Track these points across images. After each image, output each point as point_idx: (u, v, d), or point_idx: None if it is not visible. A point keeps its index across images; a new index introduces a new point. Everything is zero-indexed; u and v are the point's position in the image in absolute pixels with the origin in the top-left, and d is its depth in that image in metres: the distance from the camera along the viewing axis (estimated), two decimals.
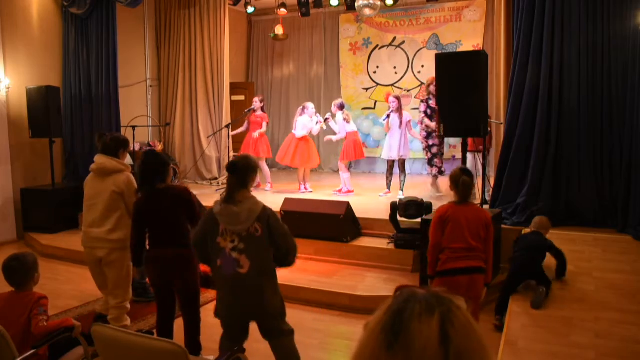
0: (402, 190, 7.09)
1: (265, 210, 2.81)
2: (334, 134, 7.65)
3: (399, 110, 7.07)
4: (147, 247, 3.48)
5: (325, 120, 7.55)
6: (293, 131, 7.66)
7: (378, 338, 0.82)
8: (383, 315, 0.85)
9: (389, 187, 7.31)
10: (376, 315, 0.86)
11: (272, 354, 2.98)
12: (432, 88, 7.00)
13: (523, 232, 4.41)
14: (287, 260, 2.90)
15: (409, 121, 7.18)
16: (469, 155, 6.89)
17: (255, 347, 3.01)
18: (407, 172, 7.30)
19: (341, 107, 7.46)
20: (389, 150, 7.15)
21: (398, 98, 7.17)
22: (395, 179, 7.29)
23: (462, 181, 3.29)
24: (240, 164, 2.86)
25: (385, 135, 7.34)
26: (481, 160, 6.45)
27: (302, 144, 7.59)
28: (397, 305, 0.84)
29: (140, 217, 3.42)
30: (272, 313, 2.88)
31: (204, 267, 3.45)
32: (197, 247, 2.95)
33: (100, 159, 3.85)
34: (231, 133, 8.28)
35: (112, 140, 3.93)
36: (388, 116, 7.07)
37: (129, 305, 3.94)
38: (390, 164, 7.24)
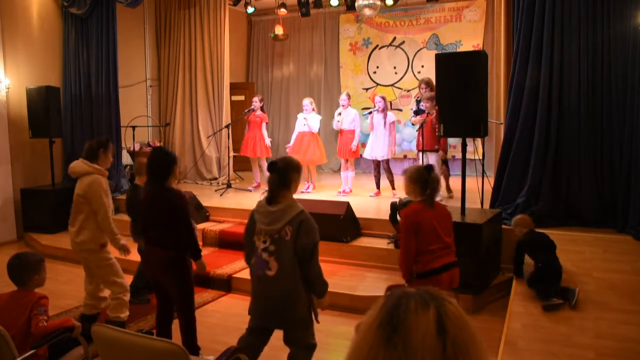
0: (394, 189, 7.10)
1: (300, 215, 2.73)
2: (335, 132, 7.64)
3: (384, 111, 7.10)
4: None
5: (370, 113, 7.50)
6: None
7: (375, 334, 0.83)
8: (378, 312, 0.86)
9: (378, 186, 7.34)
10: (369, 315, 0.87)
11: (272, 354, 2.98)
12: (423, 89, 7.03)
13: (518, 231, 4.41)
14: (311, 279, 2.78)
15: (393, 122, 7.20)
16: (433, 156, 6.89)
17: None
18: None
19: (349, 97, 7.53)
20: (371, 150, 7.19)
21: (384, 99, 7.22)
22: (385, 180, 7.31)
23: (432, 179, 3.19)
24: (280, 164, 2.82)
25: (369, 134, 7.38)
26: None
27: (304, 140, 7.58)
28: (391, 302, 0.86)
29: (140, 211, 3.48)
30: (296, 322, 2.81)
31: (197, 268, 3.48)
32: (245, 243, 2.93)
33: (72, 163, 3.89)
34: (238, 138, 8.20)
35: (96, 142, 3.91)
36: (370, 112, 7.11)
37: (126, 298, 3.93)
38: (377, 163, 7.26)
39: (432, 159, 6.78)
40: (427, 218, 3.16)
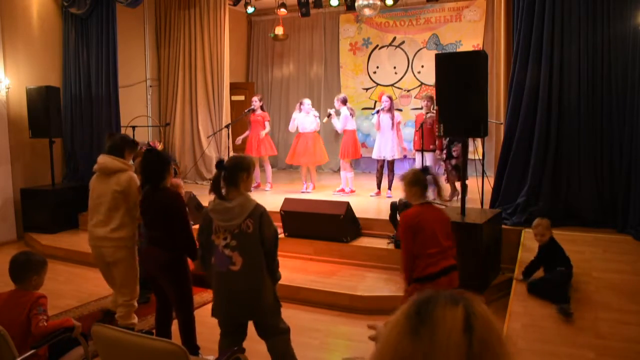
0: (389, 189, 7.11)
1: (258, 207, 2.81)
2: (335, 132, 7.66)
3: (391, 110, 7.09)
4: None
5: (329, 116, 7.54)
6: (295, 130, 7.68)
7: (403, 324, 0.84)
8: (407, 306, 0.87)
9: (379, 187, 7.35)
10: (400, 309, 0.88)
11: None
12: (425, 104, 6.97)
13: (540, 236, 4.13)
14: (273, 267, 2.89)
15: (399, 122, 7.21)
16: (418, 155, 6.90)
17: (255, 348, 3.01)
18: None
19: (344, 101, 7.49)
20: (379, 150, 7.19)
21: (391, 98, 7.23)
22: (385, 179, 7.32)
23: (430, 180, 3.17)
24: (227, 164, 2.88)
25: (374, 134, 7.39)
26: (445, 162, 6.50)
27: (304, 140, 7.59)
28: (422, 297, 0.88)
29: (141, 212, 3.51)
30: (266, 311, 2.87)
31: (195, 268, 3.48)
32: (201, 246, 2.98)
33: (102, 159, 3.86)
34: (238, 138, 8.19)
35: (122, 140, 3.95)
36: (377, 112, 7.12)
37: (136, 304, 3.97)
38: (381, 163, 7.26)
39: (428, 158, 6.79)
40: (428, 221, 3.13)
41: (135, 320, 3.97)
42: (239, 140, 8.16)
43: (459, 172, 6.58)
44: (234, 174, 2.85)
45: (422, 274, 3.12)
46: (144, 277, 4.79)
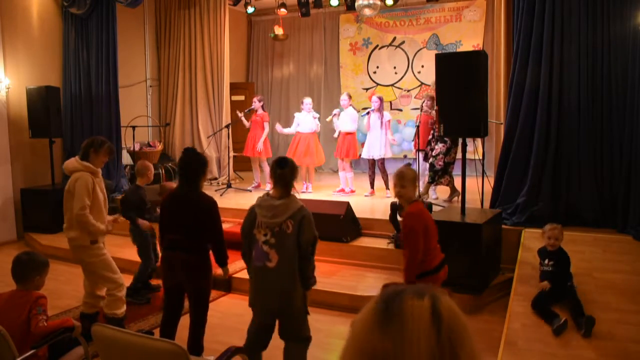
0: (388, 189, 7.13)
1: (302, 210, 2.87)
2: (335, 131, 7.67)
3: (380, 110, 7.13)
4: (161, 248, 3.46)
5: (333, 116, 7.54)
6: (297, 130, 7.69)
7: (372, 320, 0.85)
8: (374, 302, 0.88)
9: (372, 186, 7.37)
10: (366, 307, 0.89)
11: (272, 354, 2.98)
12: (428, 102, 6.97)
13: (551, 241, 3.90)
14: (307, 274, 2.93)
15: (389, 121, 7.23)
16: (421, 155, 6.90)
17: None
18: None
19: (349, 97, 7.55)
20: (368, 150, 7.21)
21: (381, 99, 7.28)
22: (379, 180, 7.34)
23: (412, 176, 3.17)
24: (291, 164, 2.98)
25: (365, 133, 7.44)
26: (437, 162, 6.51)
27: (304, 141, 7.59)
28: (388, 292, 0.89)
29: (163, 213, 3.42)
30: (293, 313, 2.93)
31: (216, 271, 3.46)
32: (242, 238, 3.04)
33: (66, 161, 3.91)
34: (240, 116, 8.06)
35: (86, 141, 3.91)
36: (368, 113, 7.16)
37: (120, 294, 3.89)
38: (372, 162, 7.28)
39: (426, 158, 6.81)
40: (429, 215, 3.21)
41: (120, 311, 3.90)
42: (240, 115, 8.02)
43: (432, 171, 6.56)
44: (291, 174, 2.95)
45: (431, 266, 3.14)
46: (145, 278, 4.82)
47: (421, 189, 6.99)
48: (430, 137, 6.72)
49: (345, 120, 7.43)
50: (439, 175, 6.55)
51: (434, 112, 6.77)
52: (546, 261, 3.89)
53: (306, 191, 7.62)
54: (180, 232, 3.30)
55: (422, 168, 6.96)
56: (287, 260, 2.84)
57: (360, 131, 8.69)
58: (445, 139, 6.36)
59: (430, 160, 6.60)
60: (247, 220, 2.99)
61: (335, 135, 7.77)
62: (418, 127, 6.79)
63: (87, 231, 3.72)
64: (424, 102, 7.04)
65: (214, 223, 3.34)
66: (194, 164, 3.34)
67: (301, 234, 2.83)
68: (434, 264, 3.16)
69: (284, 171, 2.92)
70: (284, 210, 2.84)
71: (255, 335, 3.04)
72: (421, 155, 6.91)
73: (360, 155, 7.67)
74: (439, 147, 6.51)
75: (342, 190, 7.46)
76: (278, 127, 7.81)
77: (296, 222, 2.83)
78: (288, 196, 2.90)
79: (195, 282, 3.35)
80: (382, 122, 7.12)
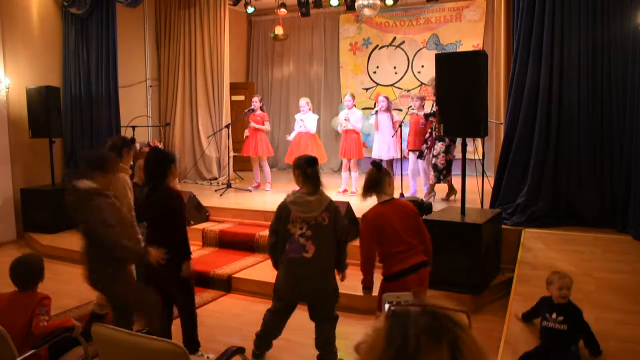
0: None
1: (333, 203, 3.22)
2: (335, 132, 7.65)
3: (388, 110, 7.12)
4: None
5: (346, 120, 7.47)
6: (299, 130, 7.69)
7: (381, 357, 0.77)
8: (384, 347, 0.78)
9: None
10: (373, 341, 0.80)
11: (273, 354, 2.98)
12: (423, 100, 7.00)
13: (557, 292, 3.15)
14: (343, 256, 3.31)
15: (397, 121, 7.22)
16: (412, 155, 6.90)
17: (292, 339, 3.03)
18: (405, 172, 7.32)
19: (353, 97, 7.53)
20: (378, 150, 7.20)
21: (387, 98, 7.26)
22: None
23: (374, 178, 3.16)
24: (316, 161, 3.29)
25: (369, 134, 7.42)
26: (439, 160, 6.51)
27: (302, 141, 7.59)
28: (399, 337, 0.77)
29: (140, 214, 3.55)
30: (328, 295, 3.27)
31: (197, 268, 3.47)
32: (273, 234, 3.27)
33: None
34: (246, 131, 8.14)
35: (118, 140, 4.07)
36: (376, 113, 7.14)
37: None
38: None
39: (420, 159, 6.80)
40: (388, 220, 3.07)
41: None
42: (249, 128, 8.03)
43: (437, 171, 6.58)
44: (319, 171, 3.26)
45: (389, 272, 3.10)
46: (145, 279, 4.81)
47: (414, 189, 7.02)
48: (428, 135, 6.72)
49: (351, 120, 7.43)
50: (443, 174, 6.57)
51: (422, 112, 6.83)
52: (553, 315, 3.08)
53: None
54: (157, 230, 3.40)
55: (413, 168, 6.99)
56: (325, 250, 3.16)
57: (361, 132, 8.68)
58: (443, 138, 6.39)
59: (433, 160, 6.61)
60: (280, 216, 3.21)
61: (340, 129, 7.66)
62: (400, 127, 6.86)
63: None
64: (413, 102, 7.08)
65: (175, 216, 3.37)
66: (156, 163, 3.41)
67: (337, 223, 3.19)
68: (391, 270, 3.09)
69: (315, 169, 3.22)
70: (319, 205, 3.15)
71: (276, 321, 3.31)
72: (412, 155, 6.93)
73: (361, 155, 7.67)
74: (438, 146, 6.52)
75: (346, 191, 7.46)
76: (288, 138, 7.83)
77: (331, 214, 3.16)
78: (319, 192, 3.19)
79: (175, 278, 3.37)
80: (393, 123, 7.10)
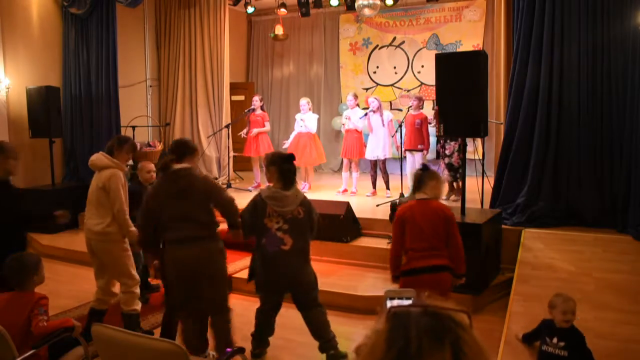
0: (388, 189, 7.15)
1: (306, 198, 3.41)
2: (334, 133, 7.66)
3: (379, 109, 7.14)
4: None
5: (348, 119, 7.48)
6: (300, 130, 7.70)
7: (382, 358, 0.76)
8: (385, 349, 0.77)
9: (374, 186, 7.39)
10: (374, 343, 0.79)
11: (273, 354, 2.98)
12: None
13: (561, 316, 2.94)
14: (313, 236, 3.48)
15: (391, 121, 7.24)
16: (418, 155, 6.92)
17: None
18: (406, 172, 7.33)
19: (355, 97, 7.55)
20: (372, 150, 7.22)
21: (378, 99, 7.30)
22: (380, 180, 7.35)
23: (418, 177, 3.28)
24: (293, 160, 3.42)
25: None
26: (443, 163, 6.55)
27: (301, 141, 7.59)
28: (401, 339, 0.77)
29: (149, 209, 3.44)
30: (308, 284, 3.39)
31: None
32: (247, 228, 3.35)
33: (93, 156, 3.96)
34: (241, 133, 8.19)
35: (113, 139, 4.04)
36: (366, 114, 7.17)
37: (137, 291, 3.97)
38: (374, 163, 7.31)
39: (418, 158, 6.82)
40: (414, 216, 3.17)
41: (138, 306, 3.98)
42: (242, 134, 8.11)
43: (453, 171, 6.61)
44: (295, 169, 3.39)
45: (405, 267, 3.19)
46: (144, 278, 4.81)
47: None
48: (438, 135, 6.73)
49: (353, 120, 7.44)
50: (460, 173, 6.57)
51: (421, 112, 6.87)
52: (554, 340, 2.91)
53: (304, 190, 7.61)
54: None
55: (413, 168, 7.00)
56: (301, 241, 3.29)
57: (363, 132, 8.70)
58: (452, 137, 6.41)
59: (447, 160, 6.63)
60: (254, 211, 3.29)
61: (343, 129, 7.67)
62: (400, 127, 6.87)
63: (126, 230, 3.83)
64: (412, 102, 7.10)
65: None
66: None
67: (311, 216, 3.34)
68: (408, 265, 3.18)
69: (292, 166, 3.34)
70: (295, 200, 3.29)
71: (266, 318, 3.42)
72: (410, 155, 6.96)
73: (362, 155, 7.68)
74: (451, 146, 6.54)
75: (346, 191, 7.46)
76: (285, 145, 7.83)
77: (306, 207, 3.32)
78: (294, 187, 3.33)
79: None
80: (383, 122, 7.13)
